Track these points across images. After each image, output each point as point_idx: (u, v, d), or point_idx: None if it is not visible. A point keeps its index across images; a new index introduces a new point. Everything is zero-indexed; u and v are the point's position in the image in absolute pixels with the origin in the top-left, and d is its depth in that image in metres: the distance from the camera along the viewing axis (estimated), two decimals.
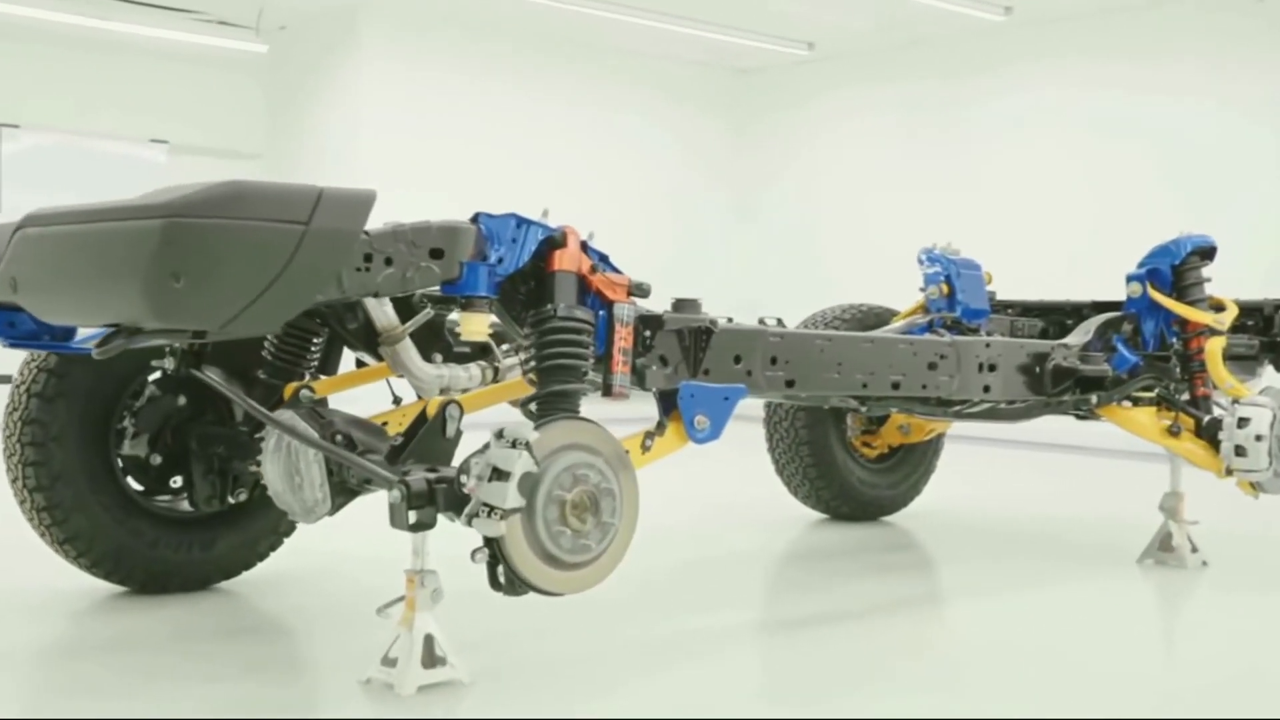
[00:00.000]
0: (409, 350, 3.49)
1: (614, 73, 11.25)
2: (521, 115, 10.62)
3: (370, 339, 3.58)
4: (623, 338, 2.98)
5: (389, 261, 2.68)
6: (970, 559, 4.68)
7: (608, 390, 2.97)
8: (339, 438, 3.11)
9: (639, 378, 3.09)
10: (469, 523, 2.58)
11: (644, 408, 3.30)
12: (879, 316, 5.28)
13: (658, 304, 3.30)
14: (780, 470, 5.35)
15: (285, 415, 3.18)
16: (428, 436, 2.95)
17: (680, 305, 3.19)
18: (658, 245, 11.11)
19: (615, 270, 3.06)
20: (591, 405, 3.01)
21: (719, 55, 11.50)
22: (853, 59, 11.29)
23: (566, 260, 2.95)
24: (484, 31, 10.40)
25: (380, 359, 3.65)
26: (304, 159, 10.26)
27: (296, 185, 2.36)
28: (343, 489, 3.10)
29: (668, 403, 3.17)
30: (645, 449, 3.10)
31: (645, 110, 11.46)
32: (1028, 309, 5.47)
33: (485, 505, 2.53)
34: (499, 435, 2.58)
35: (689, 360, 3.19)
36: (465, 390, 3.64)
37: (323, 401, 3.81)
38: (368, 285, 2.65)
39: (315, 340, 3.68)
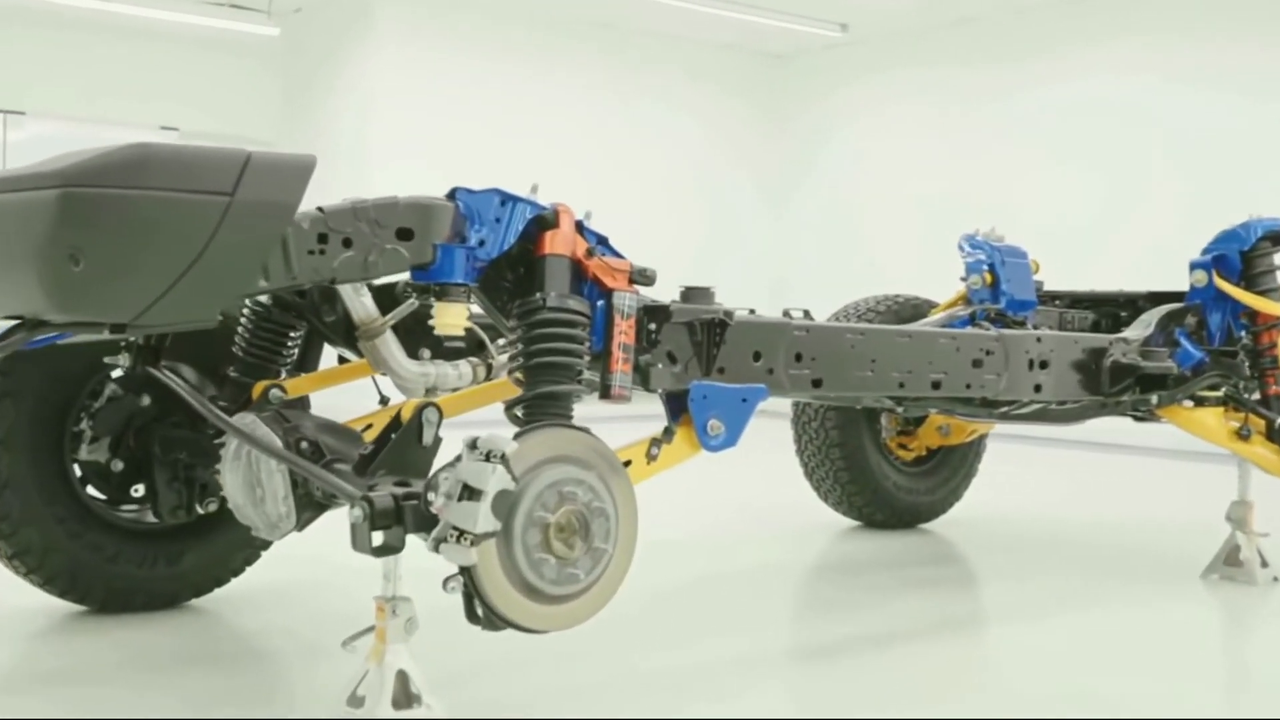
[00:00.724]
0: (390, 345, 3.12)
1: (638, 56, 10.86)
2: (541, 101, 10.26)
3: (350, 332, 3.22)
4: (623, 331, 2.60)
5: (347, 243, 2.32)
6: (1017, 573, 4.28)
7: (606, 392, 2.59)
8: (304, 445, 2.76)
9: (643, 377, 2.71)
10: (436, 548, 2.20)
11: (653, 406, 2.93)
12: (916, 308, 4.91)
13: (669, 293, 2.92)
14: (809, 474, 4.96)
15: (245, 419, 2.83)
16: (400, 444, 2.59)
17: (690, 294, 2.81)
18: (684, 236, 10.73)
19: (615, 254, 2.68)
20: (590, 409, 2.64)
21: (748, 38, 11.09)
22: (889, 41, 10.83)
23: (558, 242, 2.58)
24: (503, 13, 10.05)
25: (362, 355, 3.29)
26: (318, 145, 9.94)
27: (219, 149, 2.00)
28: (309, 502, 2.76)
29: (677, 405, 2.79)
30: (650, 458, 2.72)
31: (671, 96, 11.07)
32: (1077, 300, 5.10)
33: (454, 529, 2.16)
34: (471, 446, 2.20)
35: (701, 357, 2.81)
36: (455, 389, 3.27)
37: (300, 402, 3.48)
38: (322, 270, 2.29)
39: (292, 334, 3.34)
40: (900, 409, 4.10)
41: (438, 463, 2.47)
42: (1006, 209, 8.91)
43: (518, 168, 9.17)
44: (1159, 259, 8.43)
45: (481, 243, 2.51)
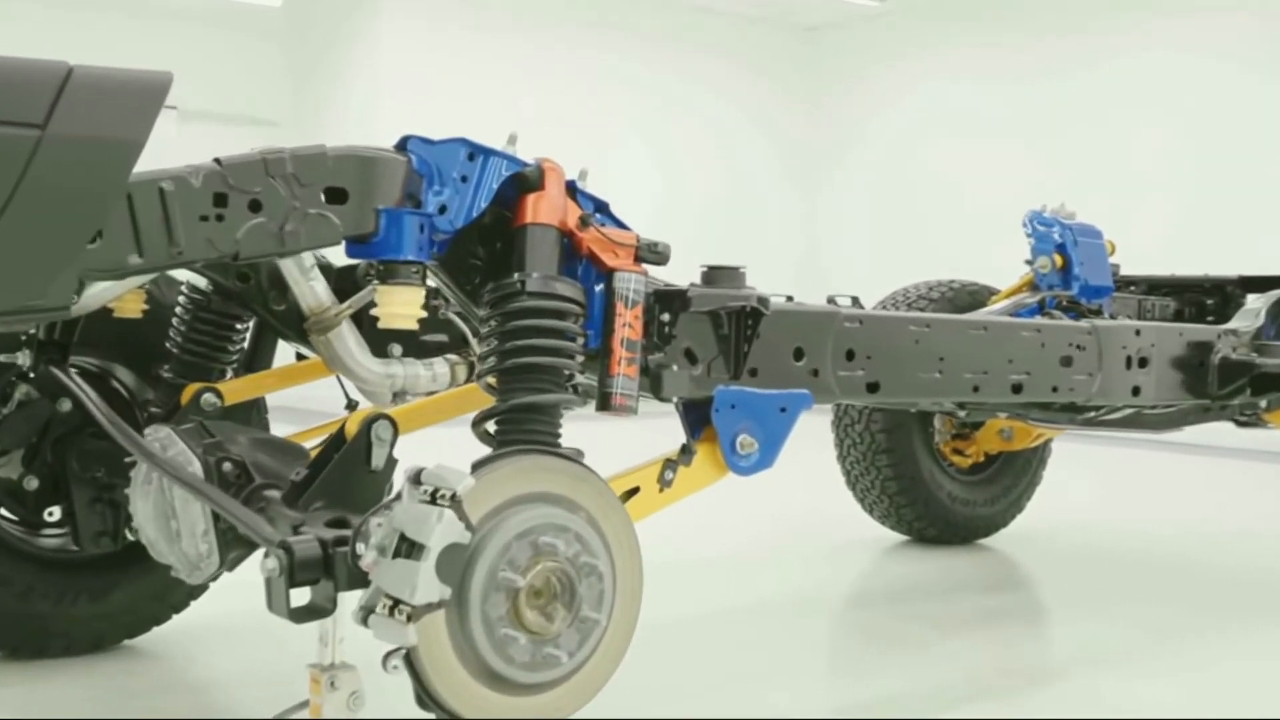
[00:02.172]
0: (346, 339, 2.54)
1: (660, 30, 10.29)
2: (558, 77, 9.70)
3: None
4: (628, 323, 2.01)
5: (255, 206, 1.74)
6: (1100, 601, 3.67)
7: (605, 401, 2.01)
8: (227, 466, 2.20)
9: (654, 382, 2.12)
10: (364, 621, 1.63)
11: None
12: (974, 295, 4.33)
13: (689, 278, 2.34)
14: (853, 483, 4.38)
15: (159, 434, 2.28)
16: (342, 468, 2.04)
17: (715, 275, 2.21)
18: (711, 222, 10.15)
19: (618, 223, 2.10)
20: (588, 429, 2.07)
21: (780, 10, 10.47)
22: (932, 12, 10.17)
23: (543, 209, 1.99)
24: None
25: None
26: (325, 124, 9.42)
27: (26, 61, 1.42)
28: (236, 539, 2.21)
29: (697, 417, 2.21)
30: (663, 485, 2.13)
31: (696, 72, 10.50)
32: (1155, 285, 4.52)
33: (388, 597, 1.58)
34: (415, 480, 1.63)
35: (728, 355, 2.22)
36: (431, 393, 2.71)
37: (250, 407, 2.95)
38: (220, 242, 1.72)
39: (238, 326, 2.81)
40: (963, 413, 3.51)
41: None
42: (1057, 192, 8.30)
43: (532, 144, 8.63)
44: (1218, 242, 7.93)
45: (442, 208, 1.94)
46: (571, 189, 2.06)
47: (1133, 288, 4.57)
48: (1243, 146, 8.41)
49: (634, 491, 2.10)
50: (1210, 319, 4.36)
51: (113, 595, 2.88)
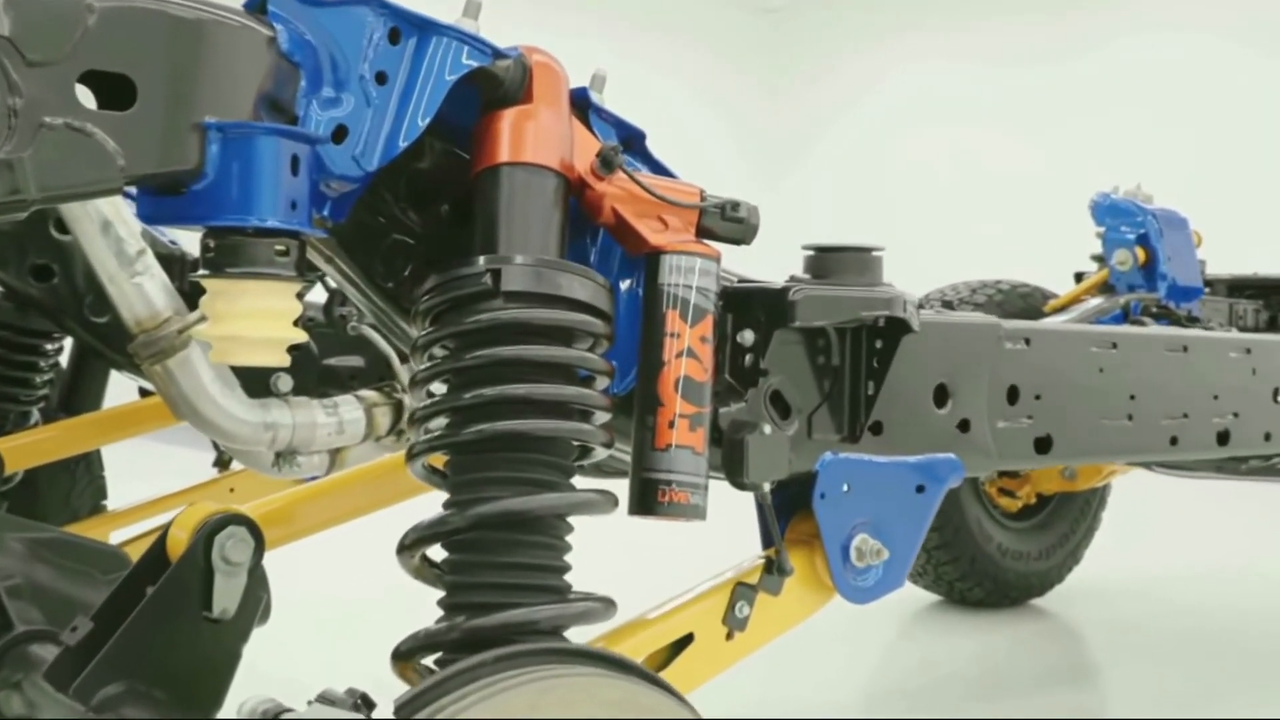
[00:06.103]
0: (196, 369, 1.59)
1: (613, 10, 9.39)
2: None
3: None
4: (689, 349, 1.09)
5: None
6: (1209, 696, 2.82)
7: (647, 496, 1.08)
8: None
9: (731, 455, 1.17)
10: None
11: None
12: (1026, 299, 3.52)
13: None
14: None
15: None
16: (156, 617, 1.11)
17: (831, 261, 1.28)
18: None
19: (661, 169, 1.18)
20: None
21: None
22: None
23: (532, 136, 1.06)
24: None
25: None
26: None
27: None
28: None
29: (785, 501, 1.29)
30: (734, 628, 1.22)
31: (645, 52, 9.75)
32: (1238, 286, 3.83)
33: None
34: None
35: (840, 402, 1.30)
36: (337, 451, 1.77)
37: (65, 474, 2.03)
38: None
39: (45, 347, 1.89)
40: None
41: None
42: (1059, 191, 7.65)
43: None
44: (1229, 236, 7.30)
45: (340, 132, 0.99)
46: (581, 103, 1.14)
47: (1208, 289, 3.81)
48: (1249, 132, 7.86)
49: (685, 642, 1.20)
50: None
51: None
